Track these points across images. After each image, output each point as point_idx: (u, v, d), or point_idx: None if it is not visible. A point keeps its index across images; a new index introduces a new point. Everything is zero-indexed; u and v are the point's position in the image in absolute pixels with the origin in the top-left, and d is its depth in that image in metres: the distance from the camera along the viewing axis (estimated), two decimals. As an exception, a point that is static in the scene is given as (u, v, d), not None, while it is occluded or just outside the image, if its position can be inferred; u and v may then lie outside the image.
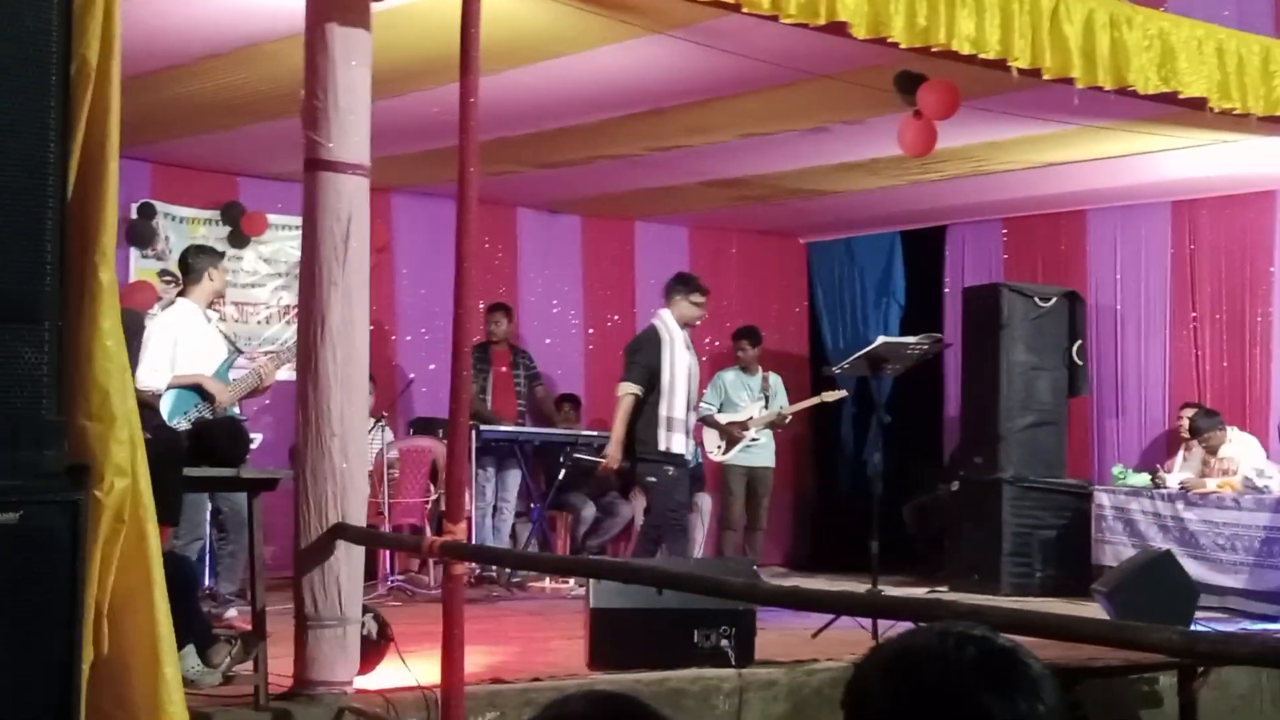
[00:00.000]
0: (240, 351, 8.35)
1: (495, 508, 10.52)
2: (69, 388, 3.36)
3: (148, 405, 7.24)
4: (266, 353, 10.38)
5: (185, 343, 7.74)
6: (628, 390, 8.76)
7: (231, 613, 7.79)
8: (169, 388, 7.61)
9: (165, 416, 7.49)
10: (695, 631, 6.20)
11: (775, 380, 11.25)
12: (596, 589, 6.29)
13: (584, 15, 6.60)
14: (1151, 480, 10.28)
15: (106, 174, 3.42)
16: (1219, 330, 11.06)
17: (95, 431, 3.39)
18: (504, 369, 10.90)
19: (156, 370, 7.58)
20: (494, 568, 9.77)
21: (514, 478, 10.60)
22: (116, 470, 3.34)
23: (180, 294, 8.13)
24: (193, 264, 7.95)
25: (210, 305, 8.17)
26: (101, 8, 3.45)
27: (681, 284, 8.95)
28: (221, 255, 8.23)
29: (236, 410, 7.81)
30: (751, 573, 7.36)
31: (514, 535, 10.71)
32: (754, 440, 10.99)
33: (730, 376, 11.20)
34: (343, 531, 5.24)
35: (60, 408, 3.28)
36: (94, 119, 3.46)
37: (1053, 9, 6.42)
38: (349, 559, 5.32)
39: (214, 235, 10.62)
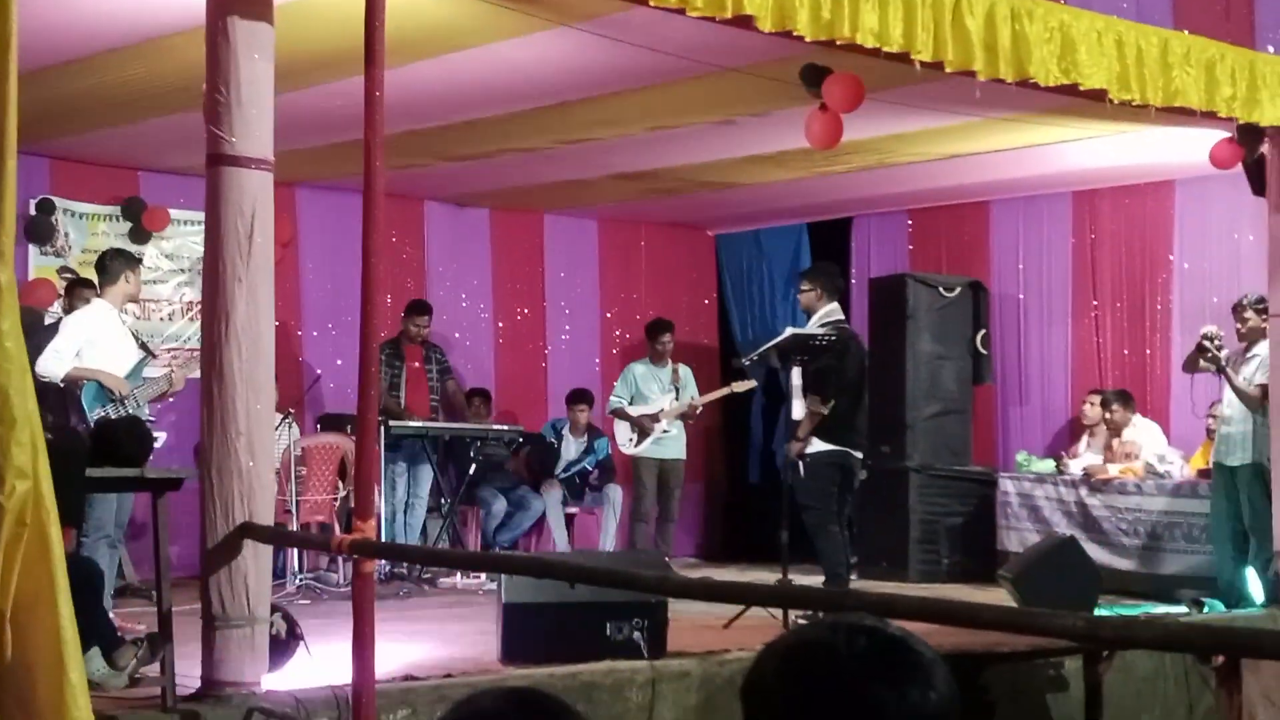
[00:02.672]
0: (153, 354, 8.25)
1: (407, 504, 10.47)
2: (-34, 390, 3.28)
3: (53, 395, 7.16)
4: (170, 350, 10.25)
5: (98, 342, 7.63)
6: None
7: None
8: (66, 380, 7.49)
9: (85, 407, 7.41)
10: (607, 624, 6.21)
11: (685, 372, 11.29)
12: (508, 584, 6.28)
13: (489, 8, 6.57)
14: (1056, 467, 10.44)
15: (4, 172, 3.34)
16: (1120, 318, 11.23)
17: (-5, 433, 3.31)
18: (416, 364, 10.84)
19: (60, 357, 7.49)
20: (405, 564, 9.71)
21: (425, 473, 10.55)
22: (17, 473, 3.27)
23: (97, 295, 8.02)
24: (109, 266, 7.85)
25: (124, 307, 8.06)
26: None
27: None
28: (139, 261, 8.14)
29: (146, 411, 7.71)
30: (663, 565, 7.40)
31: (424, 531, 10.66)
32: (665, 432, 11.02)
33: (640, 369, 11.22)
34: (250, 531, 5.19)
35: (-42, 410, 3.21)
36: (-11, 115, 3.38)
37: (954, 3, 6.48)
38: (256, 558, 5.26)
39: (115, 231, 10.46)
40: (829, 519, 8.26)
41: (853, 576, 10.43)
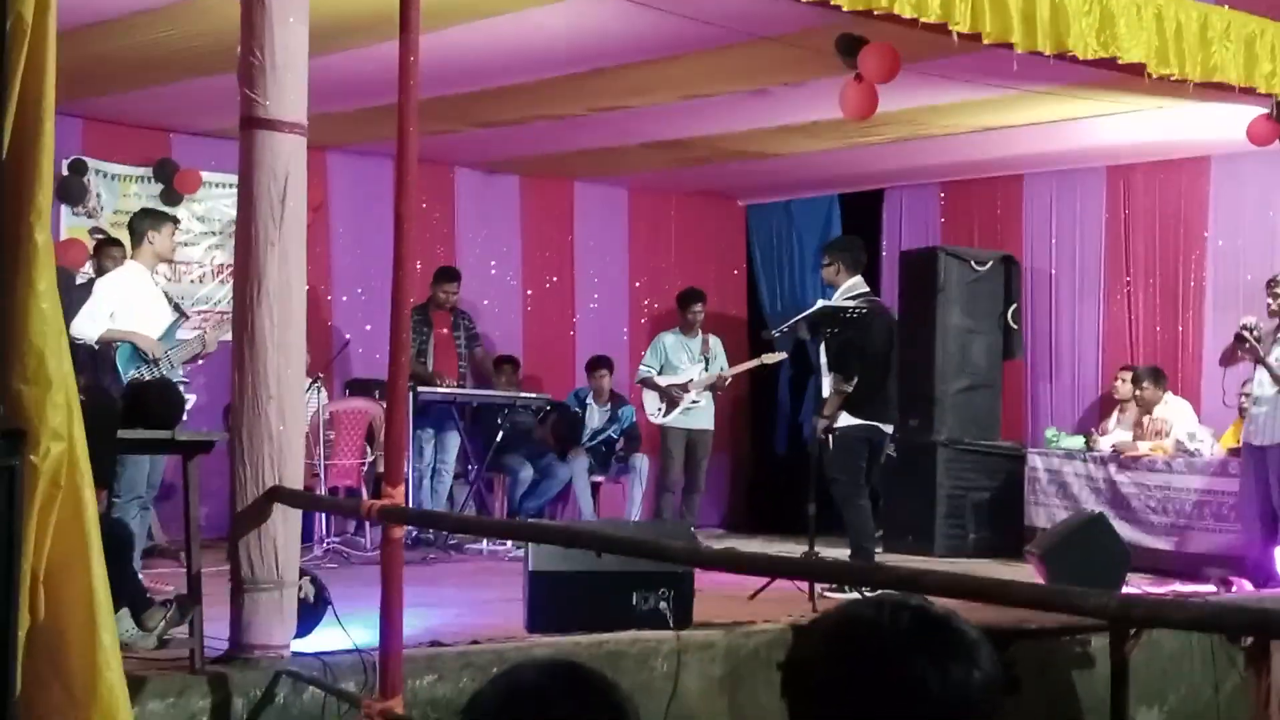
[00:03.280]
0: (185, 315, 8.24)
1: (434, 469, 10.48)
2: (3, 351, 3.28)
3: (86, 356, 7.18)
4: (201, 313, 10.27)
5: (132, 303, 7.63)
6: None
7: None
8: (100, 342, 7.51)
9: (119, 369, 7.42)
10: (633, 594, 6.20)
11: (715, 343, 11.25)
12: (535, 552, 6.27)
13: (524, -27, 6.55)
14: (1085, 443, 10.39)
15: (42, 133, 3.33)
16: (1152, 295, 11.16)
17: (31, 395, 3.31)
18: (445, 330, 10.83)
19: (94, 320, 7.50)
20: (432, 530, 9.73)
21: (453, 439, 10.56)
22: (53, 435, 3.28)
23: (129, 257, 8.02)
24: (138, 227, 7.85)
25: (155, 269, 8.02)
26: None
27: None
28: (166, 218, 8.00)
29: (180, 373, 7.72)
30: (690, 535, 7.39)
31: (451, 497, 10.67)
32: (694, 403, 11.00)
33: (670, 339, 11.19)
34: (279, 494, 5.19)
35: (-4, 371, 3.22)
36: (29, 77, 3.37)
37: (994, -27, 6.42)
38: (285, 522, 5.27)
39: (146, 193, 10.47)
40: (857, 492, 8.23)
41: (878, 550, 10.45)
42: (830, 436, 8.20)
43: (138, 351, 7.55)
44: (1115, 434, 10.40)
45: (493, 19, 7.44)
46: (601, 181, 12.56)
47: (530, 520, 9.73)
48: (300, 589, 5.37)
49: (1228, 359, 9.08)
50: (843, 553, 8.55)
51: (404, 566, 4.99)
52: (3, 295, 3.28)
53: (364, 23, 7.15)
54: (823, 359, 8.36)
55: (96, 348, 7.49)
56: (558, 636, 5.86)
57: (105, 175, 10.39)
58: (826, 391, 8.27)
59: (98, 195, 10.30)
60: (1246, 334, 8.74)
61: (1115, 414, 10.66)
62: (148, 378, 7.25)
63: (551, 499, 11.20)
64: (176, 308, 8.08)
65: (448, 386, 10.48)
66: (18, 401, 3.30)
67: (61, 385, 3.31)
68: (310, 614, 5.53)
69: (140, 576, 6.10)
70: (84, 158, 10.23)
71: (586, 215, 12.71)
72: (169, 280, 9.92)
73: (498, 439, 10.52)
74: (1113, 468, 9.98)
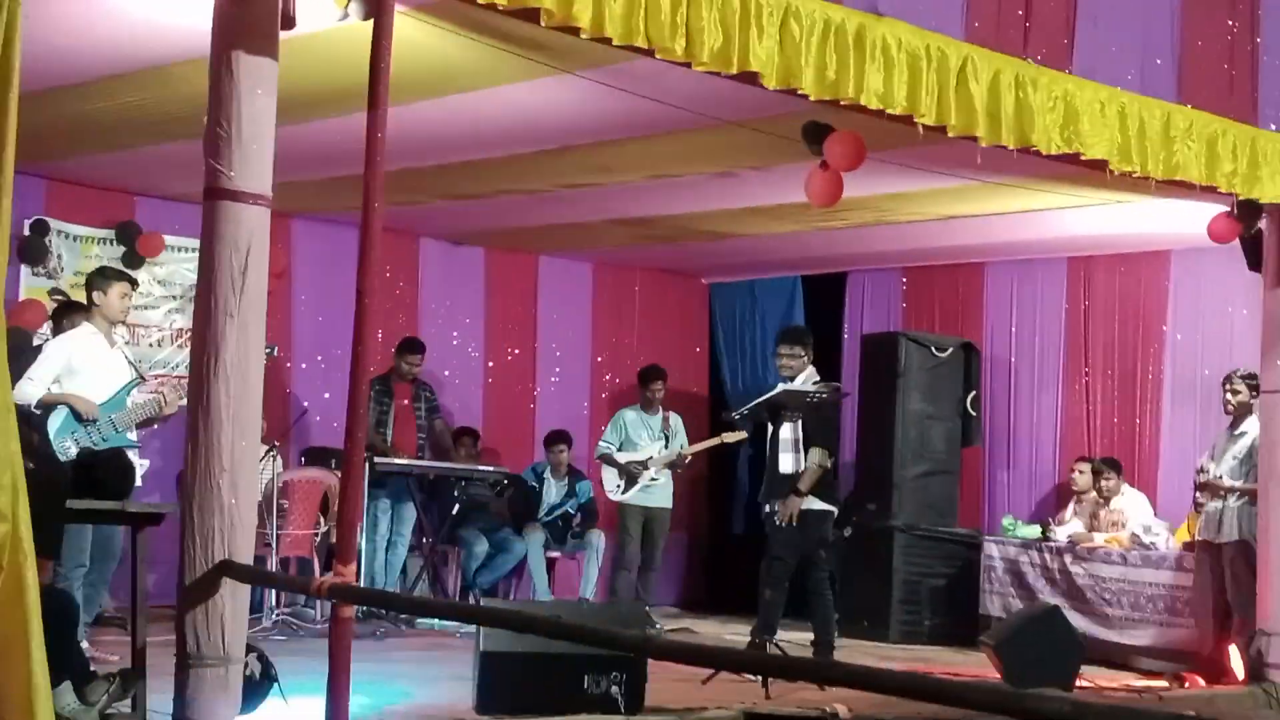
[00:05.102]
0: (144, 378, 8.15)
1: (390, 541, 10.39)
2: (-52, 430, 3.24)
3: (25, 422, 7.07)
4: (158, 376, 10.18)
5: (78, 368, 7.53)
6: None
7: (82, 643, 7.54)
8: (39, 405, 7.39)
9: (51, 433, 7.29)
10: (585, 677, 6.15)
11: (676, 420, 11.23)
12: (487, 630, 6.21)
13: (496, 52, 6.56)
14: (1042, 533, 10.39)
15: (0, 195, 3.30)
16: (1111, 386, 11.21)
17: (-27, 476, 3.26)
18: (405, 401, 10.77)
19: (34, 383, 7.39)
20: (383, 604, 9.62)
21: (409, 511, 10.48)
22: (-3, 516, 3.23)
23: (86, 319, 7.92)
24: (91, 284, 7.79)
25: (113, 330, 7.91)
26: (5, 8, 3.32)
27: None
28: (115, 278, 7.86)
29: (132, 435, 7.62)
30: (645, 617, 7.33)
31: (405, 570, 10.58)
32: (653, 480, 10.96)
33: (631, 415, 11.16)
34: (229, 569, 5.11)
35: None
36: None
37: (959, 68, 6.49)
38: (234, 597, 5.18)
39: (108, 255, 10.40)
40: (826, 577, 8.36)
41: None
42: (789, 519, 8.24)
43: (74, 414, 7.43)
44: (1072, 524, 10.41)
45: (463, 94, 7.46)
46: (566, 256, 12.58)
47: (483, 600, 9.64)
48: (246, 666, 5.28)
49: (1199, 505, 9.14)
50: (796, 635, 8.53)
51: (354, 641, 4.93)
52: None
53: (333, 95, 7.15)
54: (785, 438, 8.39)
55: (36, 411, 7.37)
56: (507, 719, 5.79)
57: (67, 236, 10.33)
58: (788, 468, 8.31)
59: (59, 256, 10.23)
60: (1201, 476, 8.89)
61: (1072, 504, 10.67)
62: (82, 444, 7.13)
63: (506, 574, 11.11)
64: (136, 370, 7.99)
65: (405, 458, 10.41)
66: (-40, 482, 3.24)
67: (7, 465, 3.26)
68: (255, 691, 5.44)
69: (85, 647, 6.00)
70: (46, 218, 10.17)
71: (550, 289, 12.72)
72: (128, 343, 9.83)
73: (454, 512, 10.44)
74: (1068, 558, 9.99)
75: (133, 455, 7.50)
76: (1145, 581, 9.57)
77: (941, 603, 10.78)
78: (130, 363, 7.95)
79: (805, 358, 8.57)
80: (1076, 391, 11.40)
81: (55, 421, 7.36)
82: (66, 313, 8.83)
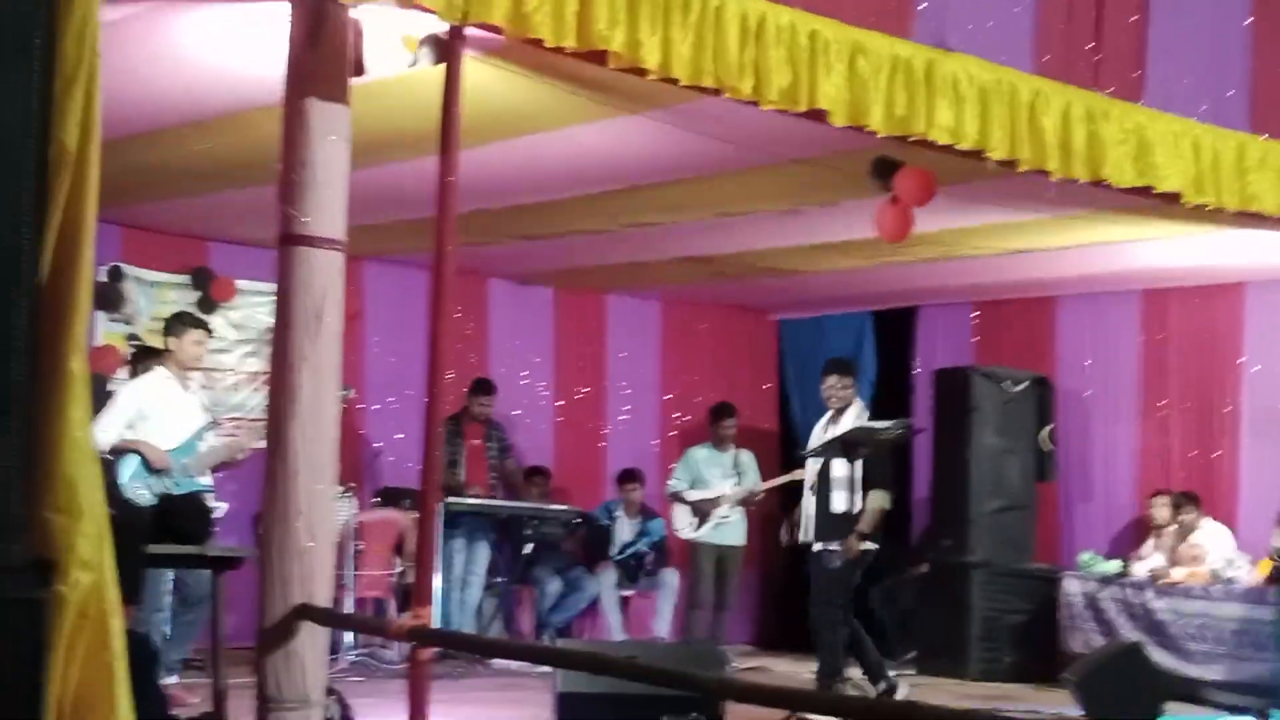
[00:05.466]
0: (217, 422, 8.22)
1: (464, 580, 10.41)
2: (35, 480, 3.28)
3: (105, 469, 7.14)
4: (233, 419, 10.27)
5: (150, 414, 7.61)
6: None
7: (173, 679, 7.62)
8: (111, 452, 7.46)
9: (124, 479, 7.35)
10: (664, 718, 6.11)
11: (747, 457, 11.20)
12: (564, 671, 6.20)
13: (564, 93, 6.60)
14: (1123, 567, 10.26)
15: (81, 260, 3.35)
16: (1188, 419, 11.07)
17: (61, 525, 3.30)
18: (477, 441, 10.82)
19: (106, 430, 7.46)
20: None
21: (482, 550, 10.51)
22: (82, 565, 3.26)
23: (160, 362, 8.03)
24: (168, 330, 7.90)
25: (186, 375, 7.98)
26: (83, 91, 3.40)
27: None
28: (190, 324, 7.98)
29: (205, 479, 7.69)
30: (721, 659, 7.28)
31: (480, 609, 10.59)
32: (725, 518, 10.93)
33: (702, 453, 11.14)
34: (307, 613, 5.15)
35: (25, 500, 3.20)
36: (70, 204, 3.40)
37: (1030, 101, 6.45)
38: (313, 640, 5.22)
39: (183, 300, 10.53)
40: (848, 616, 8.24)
41: (912, 671, 10.37)
42: (843, 559, 8.22)
43: (145, 463, 7.48)
44: (1152, 559, 10.27)
45: (532, 136, 7.50)
46: (634, 294, 12.60)
47: (558, 639, 9.63)
48: (326, 709, 5.31)
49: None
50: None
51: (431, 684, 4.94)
52: (37, 424, 3.28)
53: (404, 139, 7.21)
54: (838, 475, 8.31)
55: (109, 457, 7.44)
56: (584, 761, 5.78)
57: (143, 282, 10.47)
58: (841, 508, 8.23)
59: (135, 302, 10.37)
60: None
61: (1151, 539, 10.53)
62: (154, 490, 7.18)
63: (579, 613, 11.10)
64: (209, 414, 8.05)
65: (477, 497, 10.44)
66: (47, 530, 3.29)
67: (92, 515, 3.30)
68: (335, 734, 5.47)
69: (165, 692, 6.04)
70: (122, 264, 10.32)
71: (618, 327, 12.73)
72: (203, 387, 9.93)
73: (526, 551, 10.46)
74: (1149, 594, 9.85)
75: (208, 499, 7.59)
76: (1227, 616, 9.42)
77: (1020, 639, 10.65)
78: (204, 407, 8.03)
79: (854, 389, 8.55)
80: (1153, 425, 11.26)
81: (127, 469, 7.42)
82: (142, 358, 8.94)
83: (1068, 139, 6.55)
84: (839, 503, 8.31)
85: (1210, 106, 7.25)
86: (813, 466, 8.57)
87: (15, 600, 3.16)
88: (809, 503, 8.53)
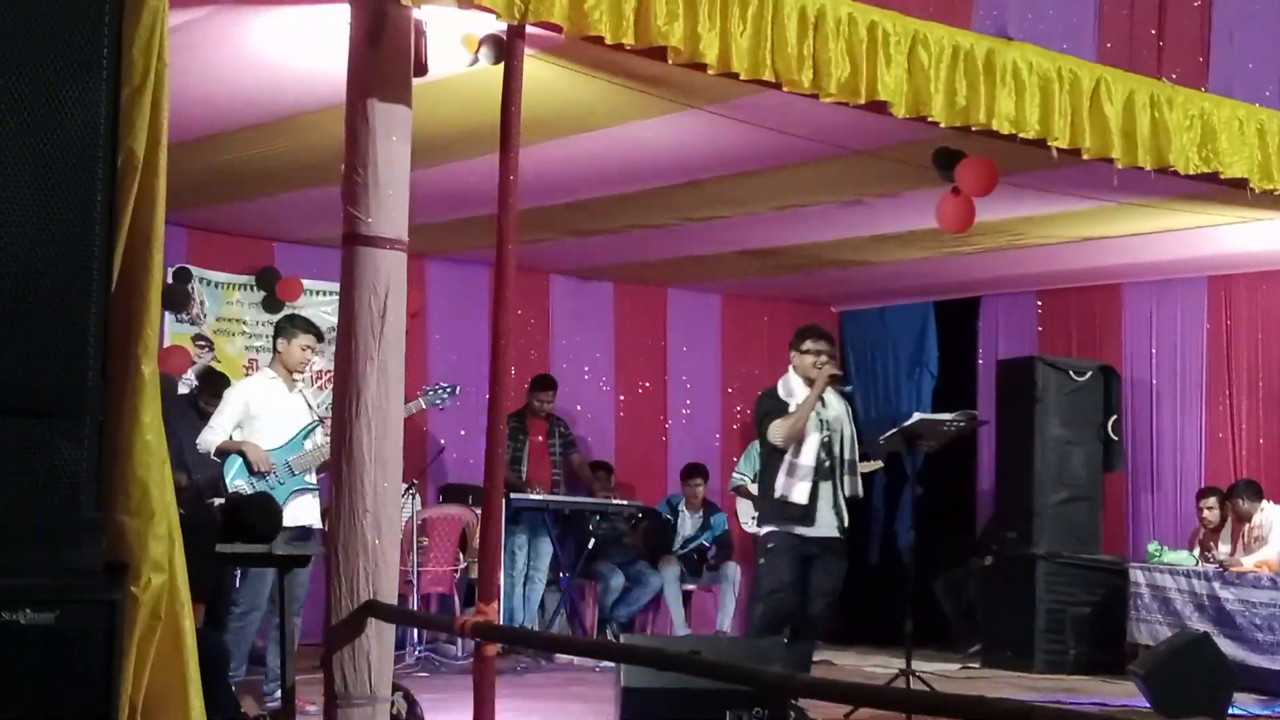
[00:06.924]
0: (322, 421, 8.25)
1: (527, 576, 10.45)
2: (108, 482, 3.34)
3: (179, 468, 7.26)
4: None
5: (254, 412, 7.73)
6: None
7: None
8: (218, 453, 7.61)
9: (228, 477, 7.54)
10: (728, 712, 6.13)
11: (808, 450, 11.14)
12: (628, 666, 6.22)
13: (623, 90, 6.61)
14: (1203, 554, 10.16)
15: (151, 265, 3.40)
16: (1255, 407, 10.95)
17: (133, 527, 3.36)
18: (539, 438, 10.85)
19: (214, 431, 7.65)
20: (524, 638, 9.67)
21: (545, 546, 10.53)
22: (154, 566, 3.31)
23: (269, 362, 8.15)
24: (275, 331, 8.02)
25: (292, 376, 8.04)
26: (149, 100, 3.45)
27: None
28: (305, 328, 7.92)
29: (311, 478, 7.77)
30: (784, 653, 7.27)
31: (543, 604, 10.63)
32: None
33: (763, 447, 11.09)
34: (374, 609, 5.19)
35: (98, 503, 3.26)
36: (139, 210, 3.45)
37: (1093, 89, 6.39)
38: (379, 637, 5.26)
39: (249, 300, 10.65)
40: None
41: (976, 665, 10.31)
42: None
43: (247, 463, 7.61)
44: (1219, 549, 10.17)
45: (592, 132, 7.52)
46: (694, 287, 12.59)
47: (621, 634, 9.65)
48: (393, 704, 5.35)
49: None
50: (941, 667, 8.41)
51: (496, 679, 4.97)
52: (108, 428, 3.33)
53: (465, 138, 7.25)
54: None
55: (215, 459, 7.58)
56: (651, 755, 5.79)
57: (209, 283, 10.58)
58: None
59: (201, 303, 10.48)
60: None
61: (1200, 538, 10.44)
62: (257, 488, 7.29)
63: (643, 607, 11.11)
64: (315, 413, 8.08)
65: (541, 493, 10.48)
66: (120, 533, 3.34)
67: (164, 516, 3.35)
68: (403, 729, 5.51)
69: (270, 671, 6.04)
70: (188, 266, 10.43)
71: (680, 321, 12.73)
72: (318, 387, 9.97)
73: (589, 546, 10.49)
74: (1217, 584, 9.74)
75: (312, 497, 7.69)
76: (1297, 605, 9.31)
77: (1087, 631, 10.56)
78: (310, 406, 8.08)
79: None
80: (1220, 413, 11.15)
81: (232, 467, 7.58)
82: (209, 383, 8.94)
83: (1131, 127, 6.48)
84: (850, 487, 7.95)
85: (1275, 91, 7.16)
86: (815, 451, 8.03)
87: (90, 602, 3.22)
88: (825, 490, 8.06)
